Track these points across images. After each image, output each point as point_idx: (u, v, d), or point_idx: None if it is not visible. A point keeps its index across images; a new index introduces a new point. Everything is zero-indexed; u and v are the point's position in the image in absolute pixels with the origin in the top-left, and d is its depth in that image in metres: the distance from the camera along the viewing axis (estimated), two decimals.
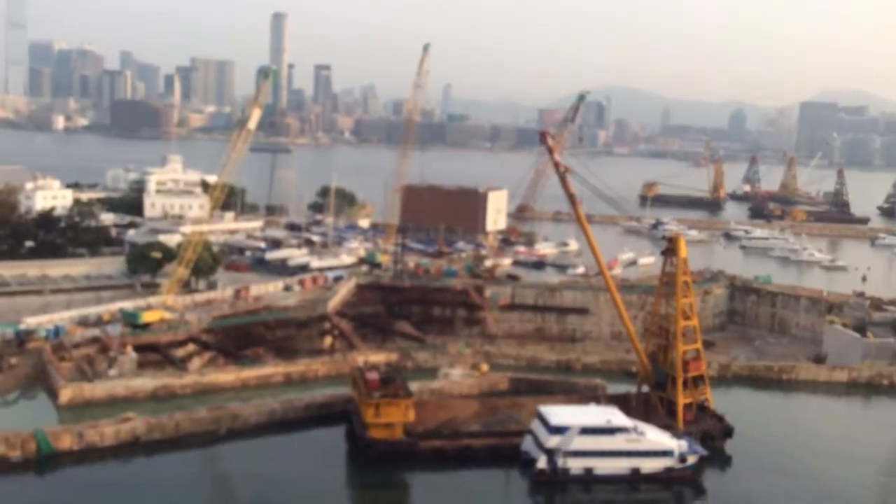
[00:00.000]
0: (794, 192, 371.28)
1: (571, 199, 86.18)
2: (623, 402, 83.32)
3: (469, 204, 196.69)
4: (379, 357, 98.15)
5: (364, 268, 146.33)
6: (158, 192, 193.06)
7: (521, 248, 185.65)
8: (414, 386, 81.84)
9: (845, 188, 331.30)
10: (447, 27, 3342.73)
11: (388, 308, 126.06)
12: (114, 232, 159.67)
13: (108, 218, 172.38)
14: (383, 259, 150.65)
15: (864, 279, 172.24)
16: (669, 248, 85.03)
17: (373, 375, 77.19)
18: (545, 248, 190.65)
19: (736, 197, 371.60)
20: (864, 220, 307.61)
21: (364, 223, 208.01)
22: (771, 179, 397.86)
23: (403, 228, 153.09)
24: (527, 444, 74.91)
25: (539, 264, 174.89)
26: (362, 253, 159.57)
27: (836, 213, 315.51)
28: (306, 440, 79.14)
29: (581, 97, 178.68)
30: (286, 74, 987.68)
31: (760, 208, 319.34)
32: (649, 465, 73.12)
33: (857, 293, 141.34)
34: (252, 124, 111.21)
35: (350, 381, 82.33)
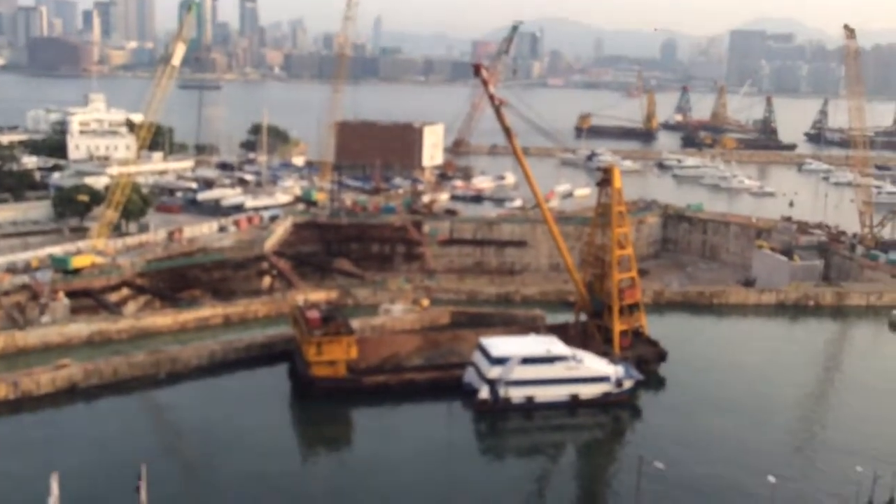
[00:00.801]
0: (724, 121, 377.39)
1: (507, 132, 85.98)
2: (562, 332, 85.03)
3: (405, 139, 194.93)
4: (319, 295, 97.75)
5: (300, 206, 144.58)
6: (82, 132, 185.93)
7: (459, 183, 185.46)
8: (355, 323, 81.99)
9: (773, 115, 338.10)
10: None
11: (327, 246, 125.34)
12: (38, 175, 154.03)
13: (30, 161, 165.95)
14: (319, 197, 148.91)
15: (791, 204, 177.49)
16: (604, 179, 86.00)
17: (313, 314, 76.95)
18: (482, 182, 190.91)
19: (668, 126, 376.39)
20: (792, 147, 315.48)
21: (298, 161, 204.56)
22: (702, 108, 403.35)
23: (339, 166, 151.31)
24: (469, 376, 76.09)
25: (477, 198, 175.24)
26: (298, 191, 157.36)
27: (764, 140, 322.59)
28: (248, 381, 78.91)
29: (514, 28, 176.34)
30: (210, 7, 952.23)
31: (692, 137, 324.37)
32: (587, 391, 75.17)
33: (784, 218, 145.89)
34: (176, 60, 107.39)
35: (290, 321, 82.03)
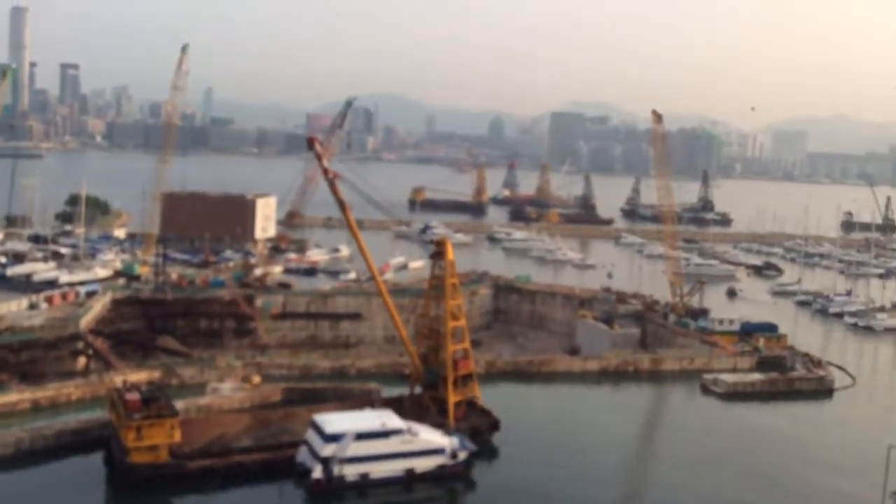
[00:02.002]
0: (548, 196, 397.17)
1: (341, 204, 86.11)
2: (397, 405, 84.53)
3: (236, 211, 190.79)
4: (140, 376, 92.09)
5: (121, 281, 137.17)
6: None
7: (292, 256, 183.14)
8: (180, 404, 77.74)
9: (592, 192, 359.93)
10: (208, 27, 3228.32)
11: (150, 323, 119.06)
12: None
13: None
14: (143, 271, 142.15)
15: (609, 275, 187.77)
16: (437, 252, 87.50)
17: (133, 396, 72.27)
18: (317, 255, 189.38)
19: (497, 201, 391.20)
20: (609, 221, 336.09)
21: (120, 233, 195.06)
22: (528, 184, 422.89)
23: (164, 238, 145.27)
24: (302, 455, 73.73)
25: (311, 271, 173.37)
26: (119, 265, 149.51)
27: (584, 215, 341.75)
28: (60, 471, 72.51)
29: (348, 103, 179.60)
30: (27, 73, 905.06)
31: (519, 211, 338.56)
32: (423, 465, 74.70)
33: (604, 288, 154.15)
34: None
35: (107, 404, 76.62)
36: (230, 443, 77.34)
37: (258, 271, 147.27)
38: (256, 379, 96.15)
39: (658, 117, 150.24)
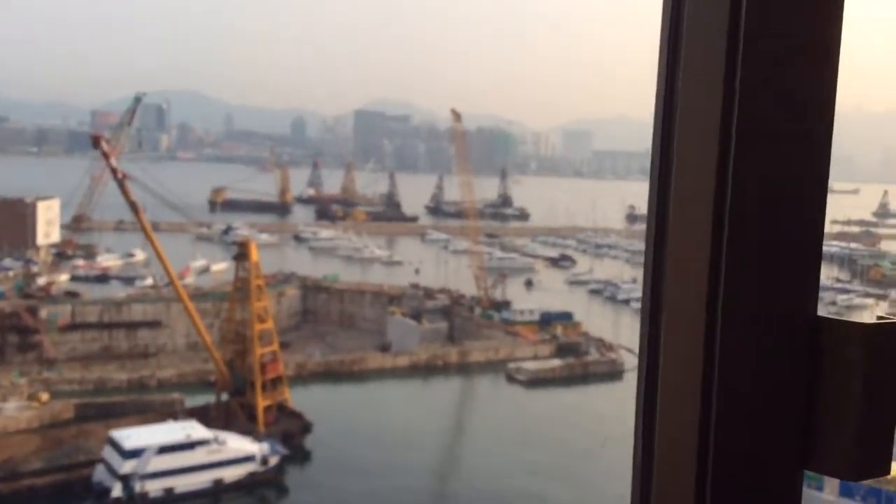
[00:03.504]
0: (353, 195, 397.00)
1: (133, 206, 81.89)
2: (203, 414, 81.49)
3: (14, 216, 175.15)
4: None
5: None
6: None
7: (80, 262, 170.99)
8: None
9: (396, 190, 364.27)
10: None
11: None
12: None
13: None
14: None
15: (417, 271, 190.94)
16: (241, 253, 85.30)
17: None
18: (108, 261, 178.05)
19: (302, 200, 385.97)
20: (415, 219, 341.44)
21: None
22: (333, 183, 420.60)
23: None
24: (99, 474, 69.25)
25: (102, 278, 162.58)
26: None
27: (390, 213, 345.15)
28: None
29: (137, 99, 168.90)
30: None
31: (325, 210, 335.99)
32: (232, 474, 72.46)
33: (412, 285, 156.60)
34: None
35: None
36: (17, 466, 71.16)
37: (42, 280, 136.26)
38: (45, 396, 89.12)
39: (457, 116, 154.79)
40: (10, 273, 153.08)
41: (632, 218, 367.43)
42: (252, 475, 73.31)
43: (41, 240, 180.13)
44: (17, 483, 68.72)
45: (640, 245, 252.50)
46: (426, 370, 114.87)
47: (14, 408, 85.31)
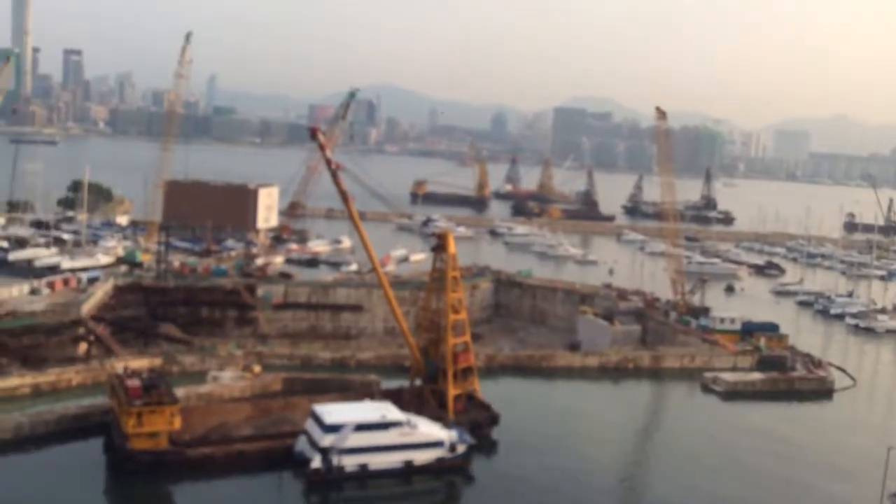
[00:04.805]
0: (550, 192, 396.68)
1: (343, 196, 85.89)
2: (396, 397, 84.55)
3: (238, 201, 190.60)
4: (141, 362, 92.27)
5: (123, 268, 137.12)
6: None
7: (294, 246, 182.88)
8: (180, 391, 77.85)
9: (594, 188, 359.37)
10: (211, 14, 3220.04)
11: (151, 310, 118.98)
12: None
13: None
14: (145, 258, 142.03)
15: (611, 272, 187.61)
16: (439, 245, 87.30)
17: (133, 382, 72.33)
18: (318, 246, 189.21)
19: (499, 195, 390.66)
20: (611, 218, 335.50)
21: (123, 220, 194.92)
22: (530, 179, 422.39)
23: (167, 226, 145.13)
24: (301, 445, 73.80)
25: (312, 262, 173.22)
26: (121, 252, 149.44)
27: (586, 211, 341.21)
28: (60, 456, 72.69)
29: (352, 94, 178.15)
30: (31, 58, 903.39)
31: (521, 206, 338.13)
32: (422, 457, 74.72)
33: (605, 285, 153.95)
34: None
35: (108, 390, 76.68)
36: (230, 431, 77.42)
37: (260, 261, 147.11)
38: (257, 368, 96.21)
39: (662, 114, 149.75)
40: (233, 253, 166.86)
41: (850, 227, 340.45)
42: (440, 460, 75.28)
43: (260, 224, 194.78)
44: (228, 447, 74.63)
45: (859, 256, 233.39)
46: (616, 372, 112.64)
47: (229, 377, 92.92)
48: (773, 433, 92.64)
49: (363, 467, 72.46)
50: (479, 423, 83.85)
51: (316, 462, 70.96)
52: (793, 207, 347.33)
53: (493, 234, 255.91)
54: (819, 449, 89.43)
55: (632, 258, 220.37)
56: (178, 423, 71.25)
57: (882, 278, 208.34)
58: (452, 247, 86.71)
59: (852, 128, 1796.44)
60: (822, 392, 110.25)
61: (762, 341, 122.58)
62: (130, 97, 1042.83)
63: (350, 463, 71.84)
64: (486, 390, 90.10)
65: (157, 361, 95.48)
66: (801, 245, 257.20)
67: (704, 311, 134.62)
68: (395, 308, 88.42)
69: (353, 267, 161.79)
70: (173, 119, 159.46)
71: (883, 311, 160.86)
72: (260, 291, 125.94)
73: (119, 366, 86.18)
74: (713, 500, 71.25)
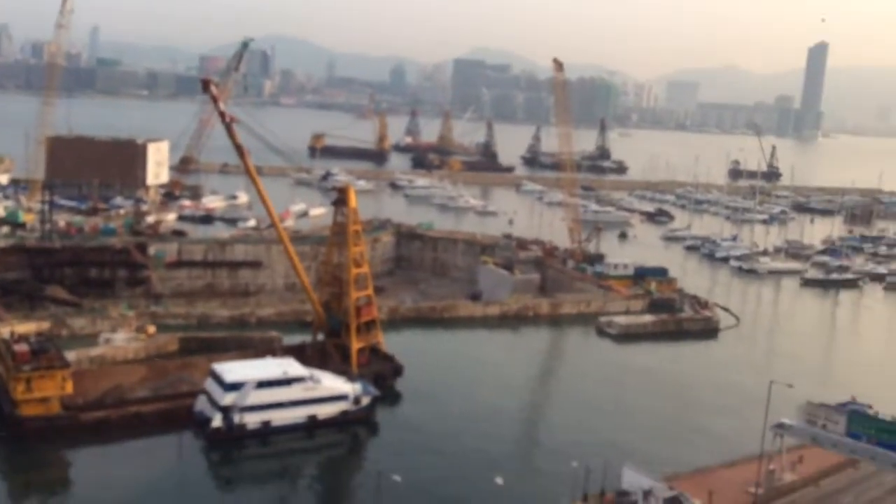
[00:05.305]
0: (450, 144, 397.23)
1: (239, 150, 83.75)
2: (299, 352, 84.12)
3: (126, 156, 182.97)
4: (28, 327, 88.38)
5: (5, 229, 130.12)
6: None
7: (187, 202, 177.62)
8: (71, 355, 75.30)
9: (494, 140, 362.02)
10: None
11: (36, 272, 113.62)
12: None
13: None
14: (27, 218, 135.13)
15: (510, 222, 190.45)
16: (340, 199, 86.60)
17: (21, 347, 69.52)
18: (213, 202, 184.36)
19: (399, 148, 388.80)
20: (510, 169, 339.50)
21: (3, 179, 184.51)
22: (430, 132, 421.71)
23: (51, 184, 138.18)
24: (201, 405, 72.66)
25: (207, 218, 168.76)
26: (2, 212, 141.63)
27: (486, 163, 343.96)
28: None
29: (245, 45, 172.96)
30: None
31: (422, 159, 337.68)
32: (326, 411, 74.86)
33: (505, 235, 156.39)
34: None
35: None
36: (125, 394, 75.46)
37: (151, 218, 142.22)
38: (151, 329, 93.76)
39: (559, 66, 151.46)
40: (122, 211, 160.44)
41: (735, 173, 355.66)
42: (345, 413, 75.57)
43: (150, 180, 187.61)
44: (124, 410, 72.72)
45: (743, 202, 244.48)
46: (516, 320, 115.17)
47: (123, 339, 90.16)
48: (663, 373, 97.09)
49: (266, 424, 72.04)
50: (382, 375, 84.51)
51: (217, 421, 70.12)
52: (682, 156, 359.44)
53: (394, 186, 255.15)
54: (706, 386, 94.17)
55: (531, 208, 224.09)
56: (69, 387, 68.99)
57: (764, 222, 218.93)
58: (353, 200, 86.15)
59: (741, 77, 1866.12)
60: (709, 331, 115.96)
61: (653, 285, 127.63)
62: (7, 50, 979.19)
63: (252, 420, 71.30)
64: (389, 343, 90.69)
65: (45, 325, 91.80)
66: (690, 192, 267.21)
67: (599, 258, 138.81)
68: (295, 263, 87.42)
69: (251, 223, 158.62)
70: (54, 72, 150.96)
71: (765, 253, 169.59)
72: (152, 250, 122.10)
73: (5, 331, 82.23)
74: (607, 440, 74.26)
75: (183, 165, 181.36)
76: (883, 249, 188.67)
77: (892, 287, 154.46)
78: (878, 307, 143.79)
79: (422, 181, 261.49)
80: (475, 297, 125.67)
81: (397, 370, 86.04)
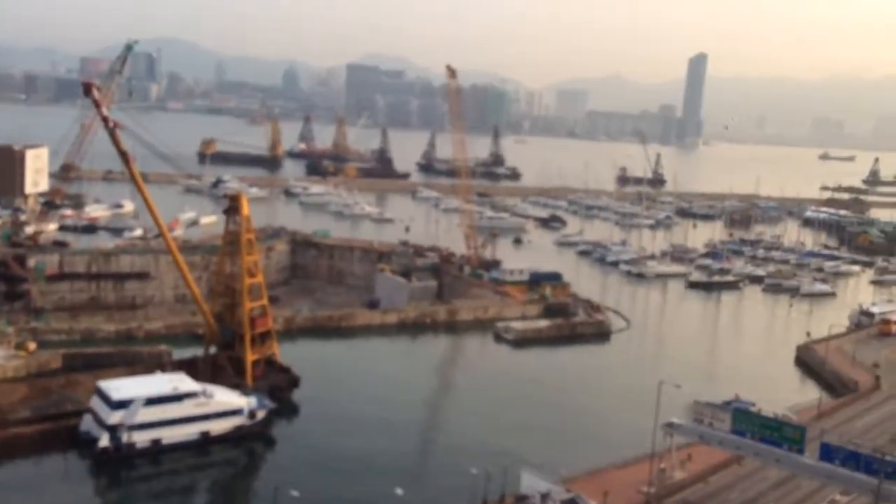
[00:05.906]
0: (345, 150, 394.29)
1: (123, 156, 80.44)
2: (190, 367, 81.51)
3: (2, 164, 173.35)
4: None
5: None
6: None
7: (69, 212, 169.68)
8: None
9: (388, 146, 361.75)
10: None
11: None
12: None
13: None
14: None
15: (407, 229, 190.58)
16: (231, 207, 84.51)
17: None
18: (97, 211, 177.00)
19: (293, 154, 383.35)
20: (406, 176, 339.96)
21: None
22: (324, 138, 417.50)
23: None
24: (86, 424, 69.42)
25: (90, 228, 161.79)
26: None
27: (381, 170, 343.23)
28: None
29: (129, 47, 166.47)
30: None
31: (316, 165, 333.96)
32: (219, 427, 72.81)
33: (402, 242, 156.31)
34: None
35: None
36: (5, 414, 71.28)
37: (29, 229, 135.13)
38: (32, 345, 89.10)
39: (452, 72, 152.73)
40: None
41: (622, 180, 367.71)
42: (239, 428, 73.64)
43: (29, 188, 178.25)
44: (3, 431, 68.64)
45: (631, 207, 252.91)
46: (414, 328, 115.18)
47: (1, 356, 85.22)
48: (559, 377, 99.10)
49: (156, 442, 69.44)
50: (279, 387, 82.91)
51: (104, 441, 67.16)
52: (572, 163, 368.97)
53: (288, 194, 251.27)
54: (600, 389, 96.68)
55: (427, 215, 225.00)
56: None
57: (651, 227, 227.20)
58: (246, 208, 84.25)
59: (626, 87, 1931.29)
60: (602, 335, 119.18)
61: (548, 290, 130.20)
62: None
63: (141, 439, 68.60)
64: (285, 353, 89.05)
65: None
66: (581, 198, 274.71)
67: (495, 263, 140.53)
68: (185, 274, 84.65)
69: (138, 232, 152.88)
70: None
71: (652, 257, 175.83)
72: (31, 262, 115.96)
73: None
74: (505, 446, 75.06)
75: (64, 173, 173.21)
76: (761, 252, 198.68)
77: (770, 289, 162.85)
78: (758, 308, 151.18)
79: (317, 188, 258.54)
80: (372, 304, 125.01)
81: (294, 382, 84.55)
